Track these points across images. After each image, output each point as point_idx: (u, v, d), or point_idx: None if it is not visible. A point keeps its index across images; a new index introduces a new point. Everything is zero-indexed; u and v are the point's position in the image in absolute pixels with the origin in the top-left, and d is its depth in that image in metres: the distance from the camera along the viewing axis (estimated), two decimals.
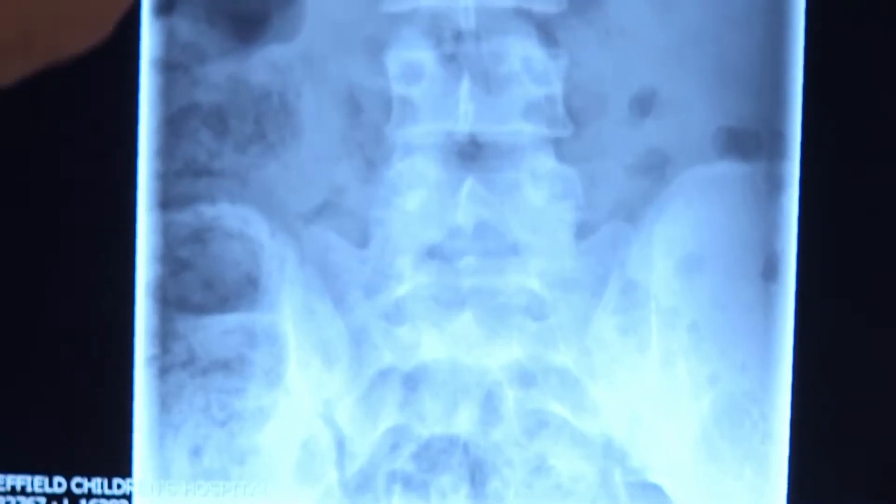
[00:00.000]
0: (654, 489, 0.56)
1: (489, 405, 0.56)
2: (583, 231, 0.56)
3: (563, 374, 0.56)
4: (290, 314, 0.56)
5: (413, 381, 0.56)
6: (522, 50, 0.55)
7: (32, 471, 0.56)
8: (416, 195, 0.56)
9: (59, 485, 0.56)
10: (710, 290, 0.56)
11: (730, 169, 0.55)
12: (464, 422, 0.56)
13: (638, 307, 0.56)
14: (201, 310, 0.56)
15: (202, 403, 0.56)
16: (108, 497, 0.56)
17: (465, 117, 0.55)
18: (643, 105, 0.55)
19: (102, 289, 0.56)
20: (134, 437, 0.56)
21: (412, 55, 0.55)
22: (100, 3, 0.41)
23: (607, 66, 0.55)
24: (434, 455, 0.56)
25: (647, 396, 0.56)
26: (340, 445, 0.56)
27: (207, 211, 0.56)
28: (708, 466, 0.56)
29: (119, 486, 0.56)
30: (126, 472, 0.56)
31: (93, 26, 0.40)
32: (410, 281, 0.56)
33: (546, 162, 0.55)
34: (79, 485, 0.56)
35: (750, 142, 0.55)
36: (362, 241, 0.56)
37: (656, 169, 0.55)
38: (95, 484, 0.56)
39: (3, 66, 0.39)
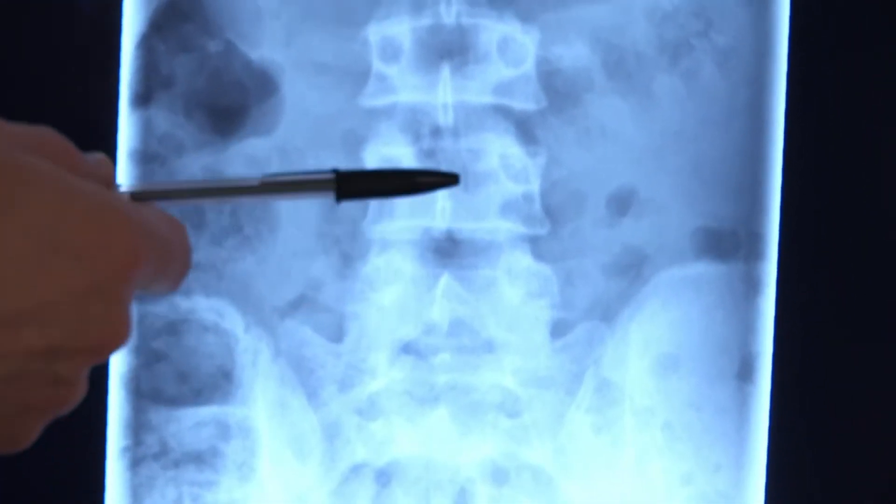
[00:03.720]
0: None
1: (462, 502, 0.56)
2: (558, 329, 0.56)
3: (537, 472, 0.56)
4: (263, 408, 0.56)
5: (386, 477, 0.56)
6: (501, 147, 0.55)
7: None
8: (392, 291, 0.56)
9: None
10: (685, 391, 0.55)
11: (707, 269, 0.55)
12: None
13: (612, 406, 0.56)
14: (174, 402, 0.56)
15: (174, 496, 0.56)
16: None
17: (443, 214, 0.55)
18: (621, 204, 0.55)
19: None
20: None
21: (390, 150, 0.55)
22: None
23: (586, 164, 0.55)
24: None
25: (620, 495, 0.56)
26: None
27: (182, 303, 0.55)
28: None
29: None
30: None
31: None
32: (385, 376, 0.56)
33: (522, 260, 0.55)
34: None
35: (727, 243, 0.55)
36: (337, 335, 0.56)
37: (633, 268, 0.55)
38: None
39: None
